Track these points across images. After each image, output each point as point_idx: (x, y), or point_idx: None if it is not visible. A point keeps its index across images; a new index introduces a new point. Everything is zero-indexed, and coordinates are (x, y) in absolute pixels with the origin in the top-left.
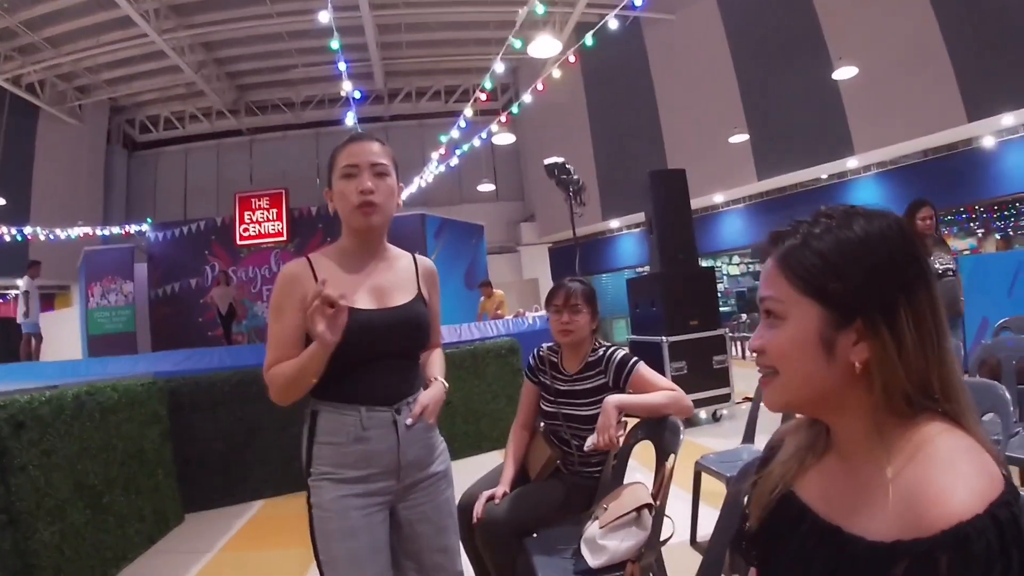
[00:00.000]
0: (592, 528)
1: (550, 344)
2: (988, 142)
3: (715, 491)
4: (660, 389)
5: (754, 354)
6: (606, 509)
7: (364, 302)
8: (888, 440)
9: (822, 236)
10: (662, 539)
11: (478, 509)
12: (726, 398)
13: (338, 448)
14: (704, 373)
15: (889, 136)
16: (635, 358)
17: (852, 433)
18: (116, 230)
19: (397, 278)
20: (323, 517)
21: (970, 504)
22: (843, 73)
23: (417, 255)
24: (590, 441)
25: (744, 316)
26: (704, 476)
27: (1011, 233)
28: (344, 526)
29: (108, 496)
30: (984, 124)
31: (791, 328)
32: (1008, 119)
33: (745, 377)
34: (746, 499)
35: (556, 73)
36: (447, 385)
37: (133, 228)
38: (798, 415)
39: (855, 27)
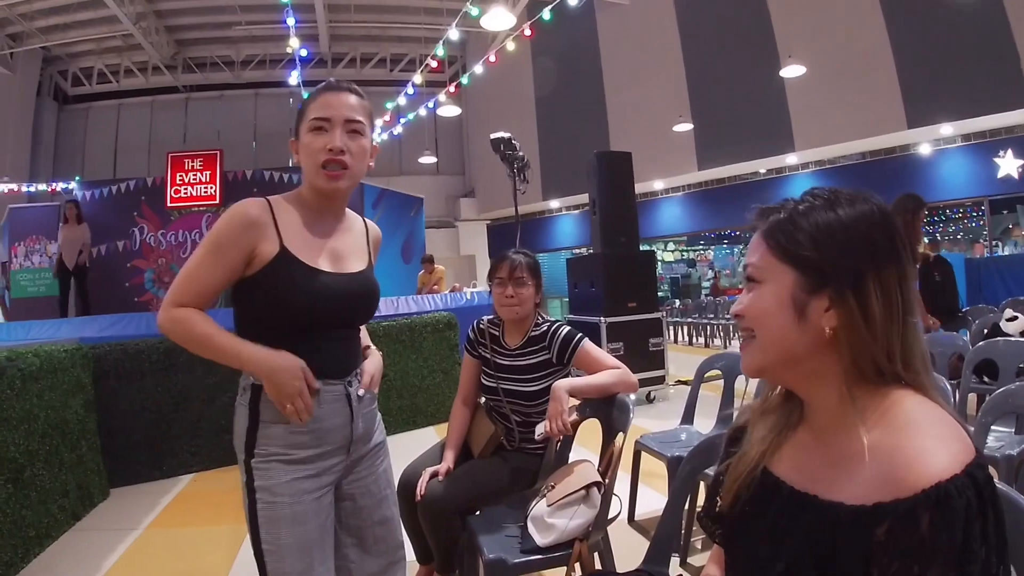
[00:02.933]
0: (539, 506)
1: (490, 317)
2: (925, 149)
3: (651, 471)
4: (606, 367)
5: (735, 317)
6: (553, 487)
7: (322, 263)
8: (860, 407)
9: (806, 212)
10: (609, 517)
11: (421, 486)
12: (660, 380)
13: (288, 427)
14: (640, 355)
15: (830, 136)
16: (580, 334)
17: (825, 402)
18: (42, 187)
19: (353, 243)
20: (272, 503)
21: (948, 464)
22: (790, 71)
23: (367, 220)
24: (541, 428)
25: (677, 302)
26: (641, 455)
27: (939, 238)
28: (295, 511)
29: (30, 470)
30: (923, 132)
31: (767, 289)
32: (947, 129)
33: (678, 361)
34: (717, 475)
35: (511, 46)
36: (381, 353)
37: (60, 185)
38: (769, 393)
39: (806, 27)
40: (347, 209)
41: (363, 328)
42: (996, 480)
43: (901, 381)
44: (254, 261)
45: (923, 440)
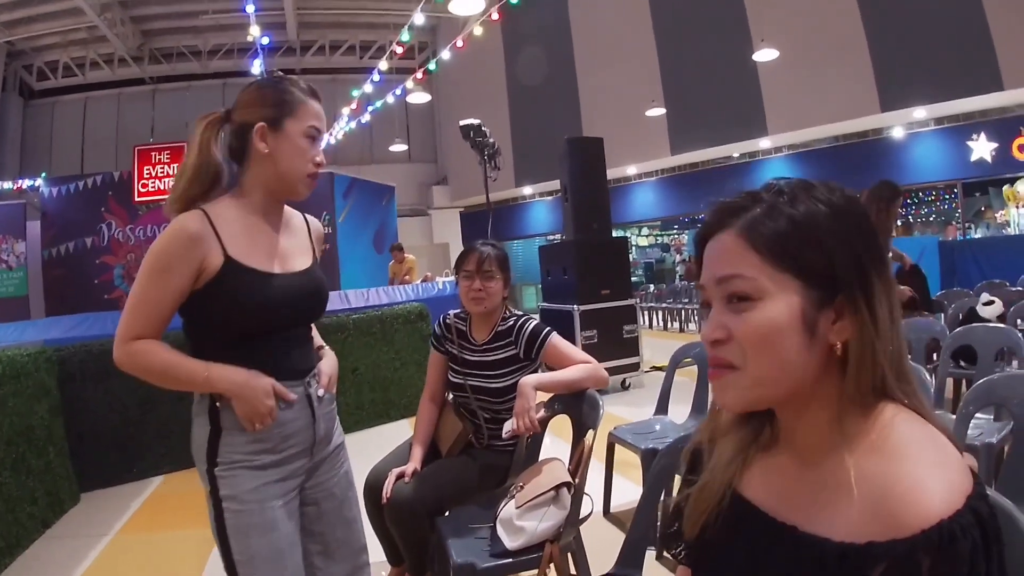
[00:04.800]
0: (508, 508)
1: (457, 311)
2: (898, 133)
3: (626, 460)
4: (574, 361)
5: (711, 345)
6: (522, 487)
7: (269, 264)
8: (847, 429)
9: (791, 204)
10: (580, 517)
11: (387, 489)
12: (635, 367)
13: (251, 434)
14: (614, 342)
15: (803, 120)
16: (547, 328)
17: (812, 425)
18: (7, 185)
19: (296, 241)
20: (239, 511)
21: (948, 499)
22: (763, 55)
23: (306, 214)
24: (509, 426)
25: (651, 287)
26: (616, 446)
27: (911, 220)
28: (265, 519)
29: None
30: (896, 115)
31: (770, 309)
32: (920, 112)
33: (653, 346)
34: (678, 503)
35: (478, 31)
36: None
37: (26, 183)
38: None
39: (778, 11)
40: (285, 206)
41: (314, 328)
42: (990, 491)
43: (891, 394)
44: (201, 276)
45: (919, 468)
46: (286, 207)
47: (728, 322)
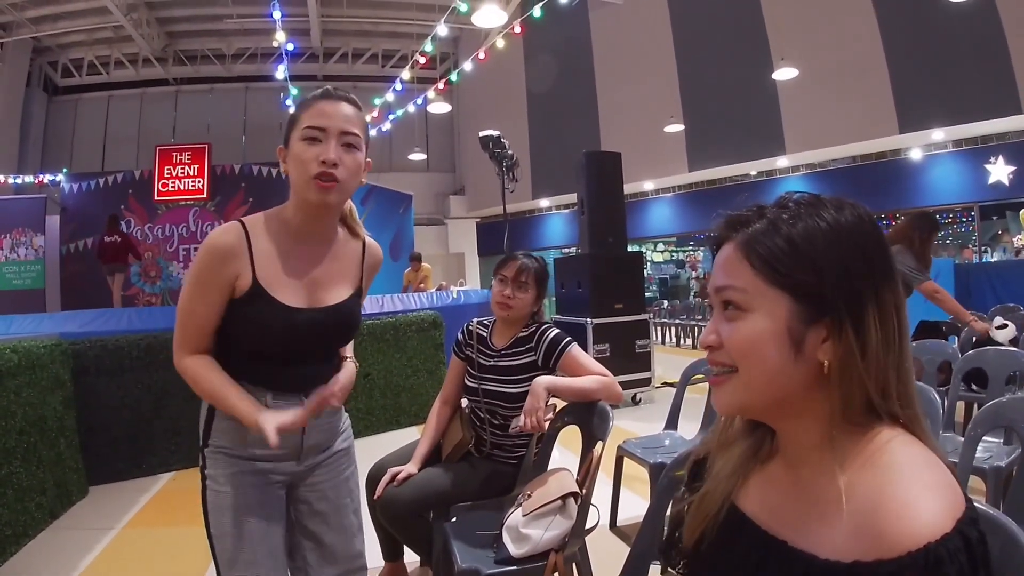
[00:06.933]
0: (515, 516)
1: (481, 319)
2: (916, 154)
3: (635, 475)
4: (592, 373)
5: (706, 350)
6: (530, 496)
7: (296, 297)
8: (839, 448)
9: (792, 222)
10: (586, 528)
11: (379, 488)
12: (647, 382)
13: (239, 428)
14: (626, 357)
15: (821, 139)
16: (568, 338)
17: (804, 440)
18: (29, 179)
19: (339, 269)
20: (218, 491)
21: (938, 522)
22: (783, 74)
23: (369, 239)
24: (516, 423)
25: (665, 302)
26: (625, 460)
27: None
28: (239, 502)
29: (7, 468)
30: (914, 136)
31: (757, 321)
32: (938, 134)
33: (665, 362)
34: (680, 511)
35: (500, 43)
36: (357, 364)
37: (47, 178)
38: (729, 423)
39: (799, 30)
40: (341, 229)
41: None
42: (984, 505)
43: (894, 418)
44: (235, 289)
45: (909, 490)
46: (344, 232)
47: (720, 329)
